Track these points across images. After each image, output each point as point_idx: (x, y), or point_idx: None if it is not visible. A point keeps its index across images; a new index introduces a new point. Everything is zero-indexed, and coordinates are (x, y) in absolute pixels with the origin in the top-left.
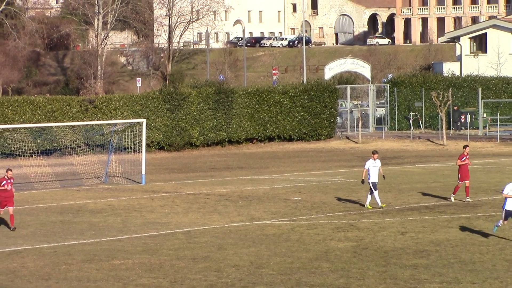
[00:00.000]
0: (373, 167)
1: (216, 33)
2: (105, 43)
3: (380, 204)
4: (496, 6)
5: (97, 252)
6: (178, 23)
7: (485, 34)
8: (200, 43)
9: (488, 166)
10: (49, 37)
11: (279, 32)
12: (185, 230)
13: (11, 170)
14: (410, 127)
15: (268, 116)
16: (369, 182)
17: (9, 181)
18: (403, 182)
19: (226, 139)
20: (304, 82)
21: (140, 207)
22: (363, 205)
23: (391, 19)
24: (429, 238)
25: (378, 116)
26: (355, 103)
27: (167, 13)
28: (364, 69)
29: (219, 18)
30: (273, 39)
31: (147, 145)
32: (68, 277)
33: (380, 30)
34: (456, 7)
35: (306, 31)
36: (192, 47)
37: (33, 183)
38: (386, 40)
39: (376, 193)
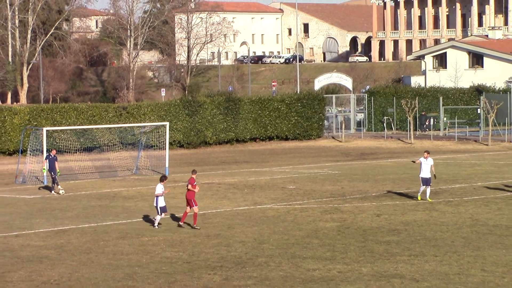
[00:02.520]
0: (425, 164)
1: (226, 52)
2: (135, 60)
3: (428, 197)
4: (454, 30)
5: (129, 231)
6: (195, 44)
7: (445, 53)
8: (213, 61)
9: (448, 160)
10: (90, 55)
11: (277, 51)
12: (200, 213)
13: (195, 172)
14: (384, 129)
15: (269, 120)
16: (420, 177)
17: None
18: (378, 173)
19: (234, 139)
20: (298, 92)
21: (164, 194)
22: (416, 198)
23: (368, 40)
24: (400, 219)
25: (358, 119)
26: (339, 109)
27: (186, 36)
28: (346, 81)
29: (228, 40)
30: (273, 57)
31: (170, 144)
32: (106, 251)
33: (359, 49)
34: (422, 31)
35: (299, 51)
36: (206, 63)
37: (77, 175)
38: (364, 58)
39: (423, 188)
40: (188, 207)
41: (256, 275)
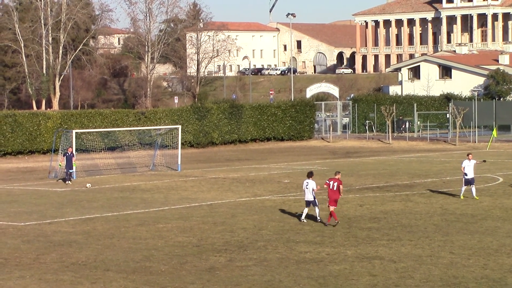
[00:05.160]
0: (468, 166)
1: (230, 65)
2: (152, 72)
3: (474, 195)
4: (426, 46)
5: (147, 219)
6: (203, 58)
7: (419, 66)
8: (219, 72)
9: (421, 158)
10: (113, 68)
11: (274, 64)
12: (208, 203)
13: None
14: (366, 131)
15: (267, 123)
16: (464, 177)
17: (330, 182)
18: (361, 169)
19: (237, 139)
20: (292, 100)
21: (177, 187)
22: (459, 196)
23: (352, 55)
24: (380, 209)
25: (343, 123)
26: (328, 114)
27: (196, 51)
28: (334, 90)
29: (232, 55)
30: (270, 70)
31: (182, 144)
32: (126, 236)
33: (345, 63)
34: (398, 47)
35: (293, 64)
36: (213, 75)
37: (102, 170)
38: (349, 70)
39: (464, 187)
40: (332, 206)
41: (256, 257)
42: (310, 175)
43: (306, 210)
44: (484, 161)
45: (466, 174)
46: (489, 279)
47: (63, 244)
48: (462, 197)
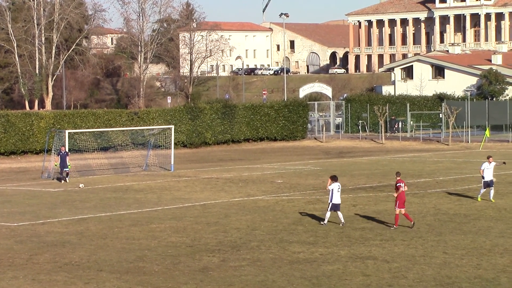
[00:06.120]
0: (487, 169)
1: (223, 65)
2: (145, 72)
3: (491, 198)
4: (419, 46)
5: (140, 219)
6: (196, 58)
7: (412, 66)
8: (212, 72)
9: (414, 158)
10: (106, 68)
11: (267, 64)
12: (201, 203)
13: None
14: (359, 131)
15: (260, 123)
16: (483, 180)
17: (402, 184)
18: (354, 169)
19: (230, 139)
20: (285, 100)
21: (170, 187)
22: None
23: (346, 55)
24: (373, 209)
25: (336, 123)
26: (321, 114)
27: (189, 51)
28: (327, 90)
29: (225, 55)
30: (263, 70)
31: (175, 144)
32: (119, 237)
33: (338, 63)
34: (391, 47)
35: (286, 64)
36: (206, 75)
37: (95, 171)
38: (342, 70)
39: (483, 190)
40: (401, 209)
41: (249, 257)
42: (336, 178)
43: (329, 214)
44: (504, 163)
45: (483, 177)
46: (482, 279)
47: (56, 245)
48: (479, 199)
